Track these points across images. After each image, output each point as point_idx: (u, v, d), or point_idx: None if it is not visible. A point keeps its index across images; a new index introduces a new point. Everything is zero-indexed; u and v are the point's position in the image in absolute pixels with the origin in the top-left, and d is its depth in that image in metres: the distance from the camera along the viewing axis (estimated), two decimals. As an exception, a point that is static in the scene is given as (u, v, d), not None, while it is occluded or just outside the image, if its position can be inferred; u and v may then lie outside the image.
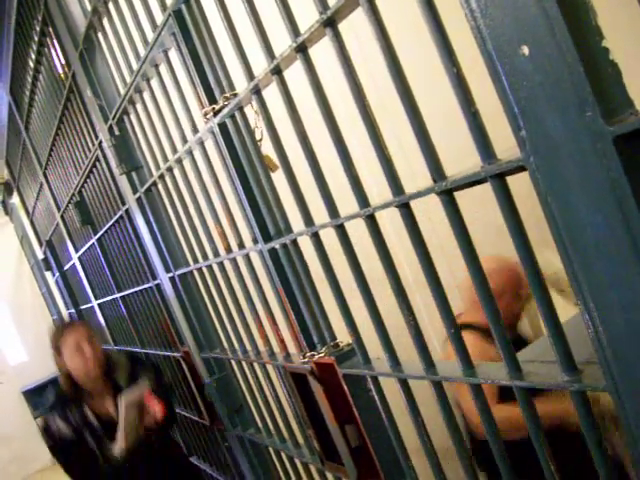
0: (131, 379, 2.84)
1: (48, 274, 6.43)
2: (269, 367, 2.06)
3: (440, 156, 1.03)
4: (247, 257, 1.88)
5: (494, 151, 0.90)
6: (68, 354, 2.73)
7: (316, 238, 1.46)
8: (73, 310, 5.48)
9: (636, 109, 0.71)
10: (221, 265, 2.09)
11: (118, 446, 2.58)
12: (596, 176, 0.73)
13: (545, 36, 0.73)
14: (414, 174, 3.18)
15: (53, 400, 2.87)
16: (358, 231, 1.43)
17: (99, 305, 4.42)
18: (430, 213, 3.34)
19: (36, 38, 3.26)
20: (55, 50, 3.03)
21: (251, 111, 1.57)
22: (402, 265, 3.24)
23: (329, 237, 1.43)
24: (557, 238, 0.81)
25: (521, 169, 0.84)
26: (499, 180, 0.90)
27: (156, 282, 2.85)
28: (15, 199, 7.19)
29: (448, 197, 1.01)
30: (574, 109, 0.73)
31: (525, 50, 0.76)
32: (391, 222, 3.25)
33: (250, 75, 1.44)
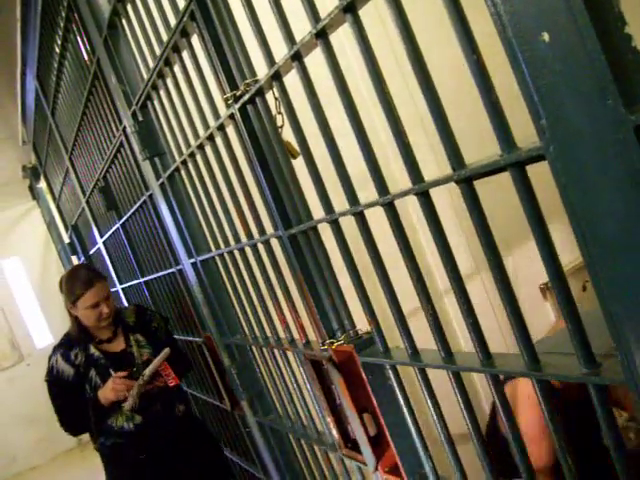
0: (139, 318, 3.01)
1: (74, 258, 6.48)
2: (289, 354, 2.06)
3: (461, 144, 1.01)
4: (268, 243, 1.88)
5: (514, 139, 0.89)
6: (84, 309, 2.81)
7: (336, 225, 1.46)
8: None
9: (659, 97, 0.69)
10: (242, 251, 2.10)
11: (128, 404, 2.72)
12: (616, 165, 0.72)
13: (566, 22, 0.71)
14: (438, 161, 3.17)
15: (60, 340, 2.96)
16: (378, 219, 1.42)
17: (123, 290, 4.46)
18: (453, 201, 3.34)
19: (61, 24, 3.27)
20: (80, 36, 3.04)
21: (272, 97, 1.56)
22: (425, 253, 3.24)
23: (349, 224, 1.43)
24: (576, 229, 0.80)
25: (541, 158, 0.83)
26: (518, 169, 0.88)
27: (179, 267, 2.86)
28: (42, 184, 7.26)
29: (467, 185, 1.00)
30: (595, 97, 0.71)
31: (545, 37, 0.74)
32: (415, 209, 3.24)
33: (271, 61, 1.43)
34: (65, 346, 2.89)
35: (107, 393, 2.71)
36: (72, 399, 2.82)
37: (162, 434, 2.90)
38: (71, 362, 2.83)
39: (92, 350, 2.86)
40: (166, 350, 2.77)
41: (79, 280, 2.80)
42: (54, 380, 2.85)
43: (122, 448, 2.88)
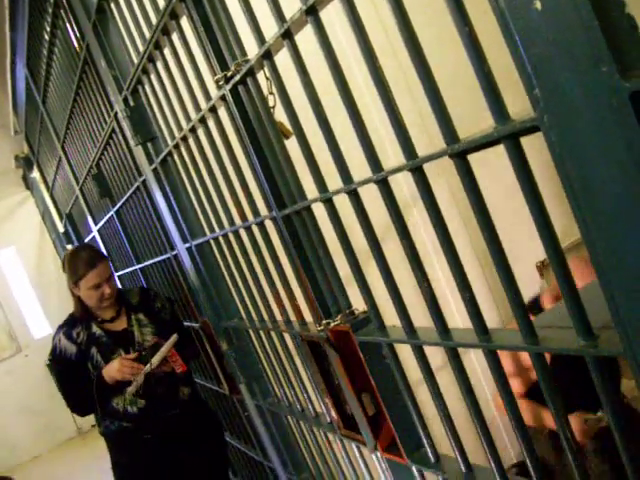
0: (142, 298, 3.02)
1: (69, 247, 6.47)
2: (286, 336, 2.06)
3: (456, 120, 1.00)
4: (262, 225, 1.87)
5: (507, 111, 0.88)
6: (86, 290, 2.81)
7: (330, 204, 1.45)
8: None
9: (654, 63, 0.68)
10: (237, 234, 2.09)
11: (131, 389, 2.73)
12: (612, 134, 0.71)
13: (559, -11, 0.70)
14: (433, 143, 3.15)
15: (64, 320, 2.96)
16: (372, 197, 1.41)
17: (119, 277, 4.45)
18: (447, 178, 3.33)
19: (50, 10, 3.24)
20: (69, 22, 3.01)
21: (263, 78, 1.55)
22: (419, 230, 3.23)
23: (343, 204, 1.42)
24: (572, 200, 0.79)
25: (535, 129, 0.82)
26: (513, 141, 0.87)
27: (174, 253, 2.85)
28: (35, 173, 7.23)
29: (461, 160, 0.99)
30: (589, 65, 0.70)
31: (538, 4, 0.73)
32: (409, 187, 3.23)
33: (261, 40, 1.41)
34: (68, 325, 2.91)
35: (112, 372, 2.72)
36: (76, 378, 2.82)
37: (166, 417, 2.90)
38: (73, 340, 2.84)
39: (94, 329, 2.87)
40: (174, 336, 2.76)
41: (81, 261, 2.80)
42: (57, 359, 2.86)
43: (127, 432, 2.88)
